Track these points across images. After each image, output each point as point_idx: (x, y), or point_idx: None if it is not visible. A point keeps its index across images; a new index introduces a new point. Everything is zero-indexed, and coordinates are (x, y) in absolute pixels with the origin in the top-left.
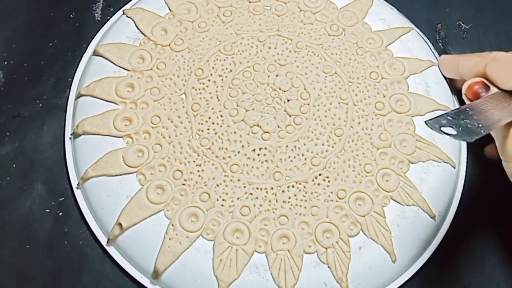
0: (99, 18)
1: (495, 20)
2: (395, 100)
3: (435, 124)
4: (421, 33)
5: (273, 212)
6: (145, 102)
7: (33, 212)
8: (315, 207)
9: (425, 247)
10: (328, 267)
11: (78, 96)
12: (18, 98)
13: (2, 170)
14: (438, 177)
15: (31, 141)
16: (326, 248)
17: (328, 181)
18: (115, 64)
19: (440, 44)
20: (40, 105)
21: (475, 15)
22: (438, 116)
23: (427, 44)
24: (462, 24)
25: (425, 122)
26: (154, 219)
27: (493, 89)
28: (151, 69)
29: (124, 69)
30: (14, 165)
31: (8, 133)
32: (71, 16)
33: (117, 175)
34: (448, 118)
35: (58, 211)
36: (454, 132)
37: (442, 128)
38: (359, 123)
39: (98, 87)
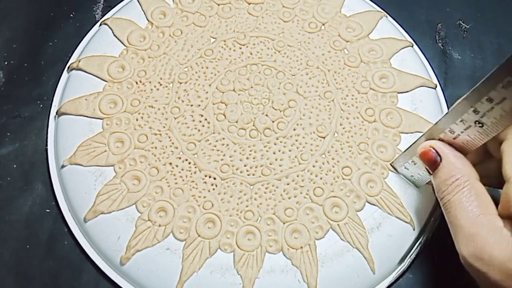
0: (99, 18)
1: (495, 20)
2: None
3: (394, 167)
4: (391, 19)
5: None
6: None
7: (33, 212)
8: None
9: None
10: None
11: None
12: (18, 99)
13: (2, 170)
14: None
15: (31, 142)
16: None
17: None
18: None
19: (440, 44)
20: (41, 105)
21: (475, 15)
22: (398, 158)
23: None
24: (462, 24)
25: (390, 164)
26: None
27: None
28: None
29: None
30: (14, 165)
31: (8, 134)
32: (71, 16)
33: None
34: (404, 166)
35: (58, 211)
36: (406, 179)
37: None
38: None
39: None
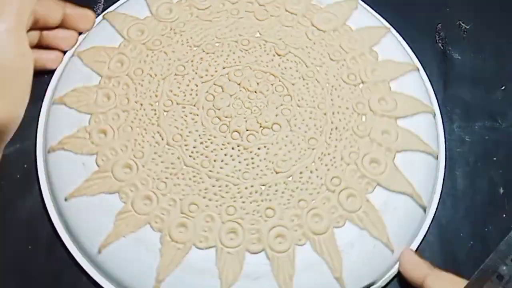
0: (100, 19)
1: (495, 20)
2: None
3: None
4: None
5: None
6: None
7: (34, 212)
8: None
9: (380, 275)
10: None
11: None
12: None
13: (3, 170)
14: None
15: (32, 142)
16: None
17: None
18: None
19: (440, 45)
20: (42, 105)
21: (475, 15)
22: None
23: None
24: (462, 24)
25: None
26: None
27: None
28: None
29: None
30: (15, 165)
31: None
32: None
33: None
34: None
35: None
36: None
37: None
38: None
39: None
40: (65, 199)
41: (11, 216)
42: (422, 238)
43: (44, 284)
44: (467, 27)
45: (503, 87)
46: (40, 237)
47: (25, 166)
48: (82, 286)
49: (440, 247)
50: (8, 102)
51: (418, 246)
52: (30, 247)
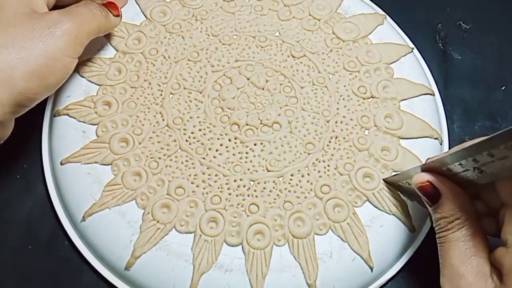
0: None
1: (495, 20)
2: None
3: (387, 182)
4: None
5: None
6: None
7: (34, 212)
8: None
9: None
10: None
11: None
12: None
13: (2, 170)
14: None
15: (32, 142)
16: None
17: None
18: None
19: (440, 45)
20: (42, 105)
21: (475, 15)
22: (393, 177)
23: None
24: (463, 24)
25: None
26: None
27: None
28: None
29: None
30: (15, 165)
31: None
32: None
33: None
34: (398, 184)
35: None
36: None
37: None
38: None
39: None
40: (61, 163)
41: (11, 216)
42: (406, 260)
43: (44, 284)
44: (467, 27)
45: (503, 87)
46: (40, 237)
47: (25, 166)
48: (82, 286)
49: (423, 274)
50: (42, 85)
51: (402, 268)
52: (30, 247)
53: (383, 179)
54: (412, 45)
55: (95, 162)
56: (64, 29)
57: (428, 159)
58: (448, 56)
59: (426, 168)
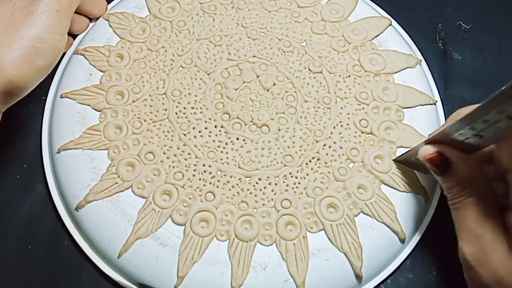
0: None
1: (495, 20)
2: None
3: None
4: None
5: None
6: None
7: (34, 212)
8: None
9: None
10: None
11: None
12: None
13: (2, 170)
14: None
15: (32, 141)
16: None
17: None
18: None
19: (440, 45)
20: (42, 104)
21: (475, 15)
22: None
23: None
24: (463, 24)
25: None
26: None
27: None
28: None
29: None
30: (15, 165)
31: (8, 133)
32: None
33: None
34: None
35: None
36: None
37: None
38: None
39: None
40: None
41: (11, 215)
42: (394, 269)
43: (44, 284)
44: (467, 27)
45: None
46: (40, 237)
47: (25, 166)
48: (82, 285)
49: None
50: (32, 70)
51: (390, 275)
52: (30, 247)
53: (393, 160)
54: (436, 98)
55: (87, 105)
56: (44, 4)
57: (429, 135)
58: (448, 56)
59: (430, 142)
